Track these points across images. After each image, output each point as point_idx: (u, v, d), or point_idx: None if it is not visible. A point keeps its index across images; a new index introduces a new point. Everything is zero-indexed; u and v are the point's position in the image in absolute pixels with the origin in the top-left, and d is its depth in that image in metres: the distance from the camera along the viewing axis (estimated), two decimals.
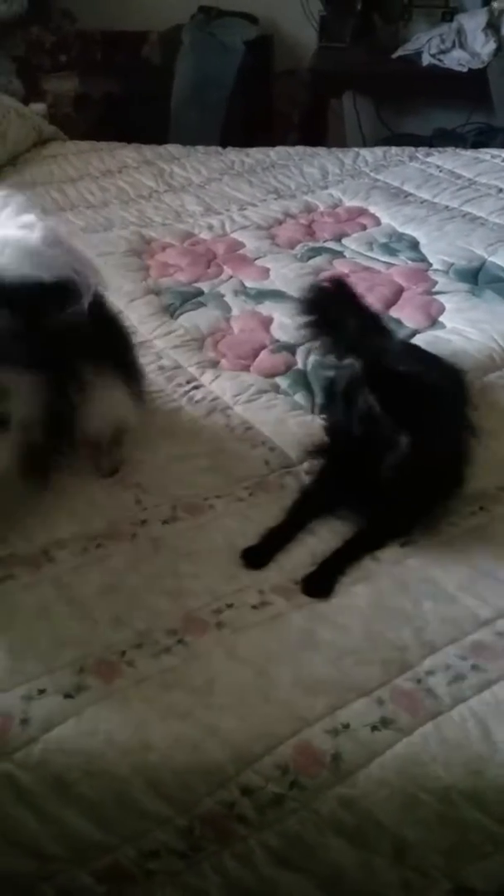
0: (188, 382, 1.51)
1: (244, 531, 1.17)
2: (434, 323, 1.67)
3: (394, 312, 1.70)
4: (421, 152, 2.61)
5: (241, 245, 1.99)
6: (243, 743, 0.90)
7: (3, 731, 0.91)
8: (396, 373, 1.14)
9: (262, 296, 1.76)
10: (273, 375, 1.52)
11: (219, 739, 0.91)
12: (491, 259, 1.89)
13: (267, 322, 1.68)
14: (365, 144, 3.13)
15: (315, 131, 3.22)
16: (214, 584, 1.08)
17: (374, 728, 0.91)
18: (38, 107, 2.83)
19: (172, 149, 2.59)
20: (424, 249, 1.96)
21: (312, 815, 0.89)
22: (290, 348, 1.58)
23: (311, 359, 1.53)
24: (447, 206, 2.19)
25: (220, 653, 0.99)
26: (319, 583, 1.08)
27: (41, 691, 0.95)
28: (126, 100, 3.42)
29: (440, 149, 2.65)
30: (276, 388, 1.48)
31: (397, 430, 1.09)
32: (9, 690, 0.95)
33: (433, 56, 3.12)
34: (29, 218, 1.16)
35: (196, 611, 1.05)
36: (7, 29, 2.99)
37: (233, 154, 2.55)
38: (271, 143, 2.72)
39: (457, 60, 3.09)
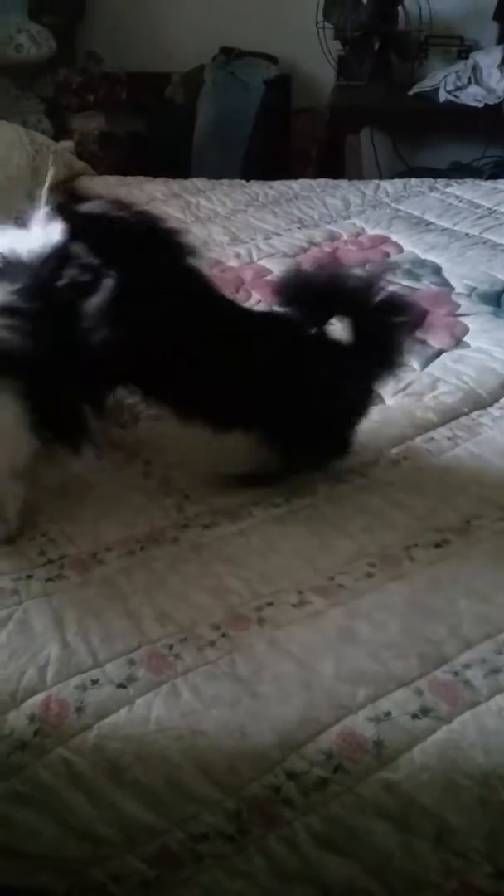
0: None
1: (281, 535, 1.22)
2: (459, 343, 1.73)
3: (419, 334, 1.76)
4: (440, 183, 2.69)
5: (269, 271, 2.06)
6: (288, 729, 0.94)
7: (59, 719, 0.96)
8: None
9: None
10: None
11: (265, 726, 0.95)
12: None
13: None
14: (382, 178, 3.22)
15: (333, 166, 3.32)
16: (254, 584, 1.13)
17: (414, 716, 0.95)
18: (66, 144, 2.93)
19: (198, 182, 2.68)
20: (447, 274, 2.03)
21: (356, 799, 0.92)
22: None
23: None
24: (468, 234, 2.26)
25: (262, 646, 1.03)
26: None
27: (94, 682, 0.99)
28: (150, 138, 3.54)
29: (459, 180, 2.73)
30: None
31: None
32: (64, 681, 0.99)
33: (449, 92, 3.23)
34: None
35: (237, 607, 1.09)
36: (36, 70, 3.12)
37: (256, 187, 2.64)
38: (290, 178, 2.81)
39: (472, 96, 3.20)
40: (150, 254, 1.15)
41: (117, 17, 3.48)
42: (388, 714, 0.95)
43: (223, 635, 1.05)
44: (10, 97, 3.08)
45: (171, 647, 1.04)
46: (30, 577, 1.14)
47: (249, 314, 1.40)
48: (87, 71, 3.34)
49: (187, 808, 0.94)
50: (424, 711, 0.96)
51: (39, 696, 0.98)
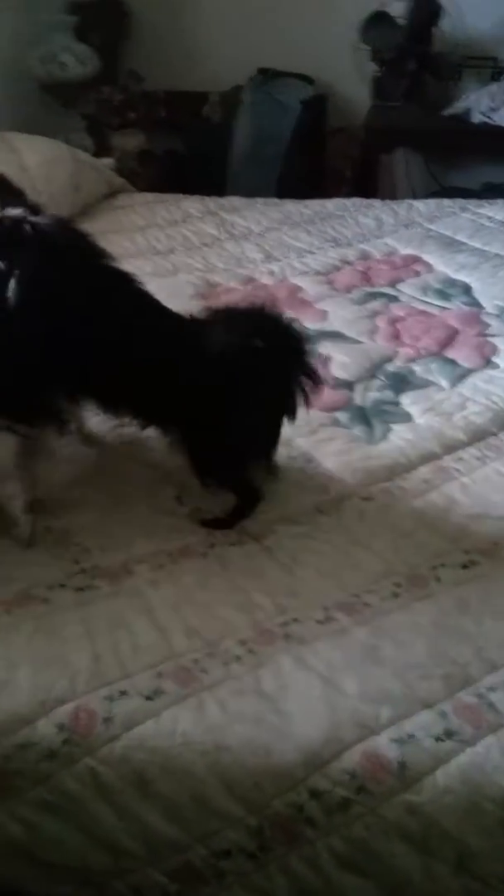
0: None
1: (307, 553, 1.23)
2: (488, 363, 1.73)
3: (449, 353, 1.77)
4: (472, 204, 2.70)
5: (301, 289, 2.08)
6: (313, 748, 0.95)
7: (87, 728, 0.97)
8: None
9: (321, 336, 1.84)
10: (333, 410, 1.59)
11: (289, 743, 0.95)
12: None
13: (326, 361, 1.75)
14: (415, 198, 3.23)
15: (366, 186, 3.33)
16: (280, 600, 1.14)
17: (438, 738, 0.95)
18: (107, 161, 2.99)
19: (233, 200, 2.72)
20: (477, 294, 2.03)
21: (378, 821, 0.93)
22: (349, 385, 1.66)
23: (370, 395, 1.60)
24: (498, 254, 2.26)
25: (288, 662, 1.04)
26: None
27: (122, 693, 1.01)
28: (187, 156, 3.59)
29: (491, 200, 2.73)
30: (336, 422, 1.55)
31: None
32: (93, 691, 1.01)
33: (483, 114, 3.23)
34: None
35: (264, 623, 1.10)
36: (80, 89, 3.18)
37: (290, 205, 2.67)
38: (324, 197, 2.84)
39: None
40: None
41: (159, 37, 3.54)
42: (411, 736, 0.96)
43: (249, 651, 1.06)
44: (54, 114, 3.15)
45: (197, 661, 1.05)
46: (63, 586, 1.17)
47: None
48: (128, 89, 3.39)
49: (210, 824, 0.95)
50: (448, 734, 0.96)
51: (69, 706, 0.99)
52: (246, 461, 1.32)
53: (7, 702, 1.00)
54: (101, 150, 3.19)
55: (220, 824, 0.95)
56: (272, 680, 1.02)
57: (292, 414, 1.31)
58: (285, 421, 1.31)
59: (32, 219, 1.18)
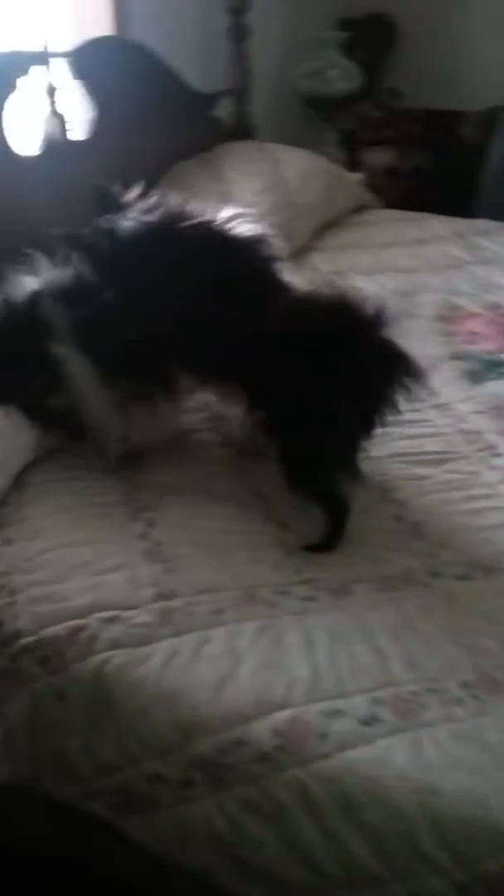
0: (487, 448, 1.53)
1: None
2: None
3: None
4: None
5: None
6: None
7: (302, 740, 0.98)
8: None
9: None
10: None
11: None
12: None
13: None
14: None
15: None
16: None
17: None
18: (357, 177, 3.02)
19: (483, 223, 2.64)
20: None
21: None
22: None
23: None
24: None
25: None
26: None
27: (338, 712, 1.00)
28: (434, 174, 3.54)
29: None
30: None
31: None
32: (310, 704, 1.01)
33: None
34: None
35: (491, 670, 1.06)
36: (339, 104, 3.24)
37: None
38: None
39: None
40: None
41: (422, 54, 3.52)
42: None
43: (474, 696, 1.02)
44: (314, 127, 3.23)
45: (416, 694, 1.02)
46: (286, 592, 1.18)
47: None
48: (387, 106, 3.41)
49: (415, 867, 0.92)
50: None
51: (285, 713, 1.00)
52: (333, 466, 1.29)
53: (229, 696, 1.03)
54: (351, 164, 3.23)
55: (425, 869, 0.92)
56: (497, 731, 0.97)
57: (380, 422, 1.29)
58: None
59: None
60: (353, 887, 0.95)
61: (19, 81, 1.86)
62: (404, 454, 1.50)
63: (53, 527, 1.31)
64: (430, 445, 1.53)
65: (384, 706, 1.01)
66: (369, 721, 0.99)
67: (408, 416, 1.57)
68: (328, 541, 1.28)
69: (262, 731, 1.00)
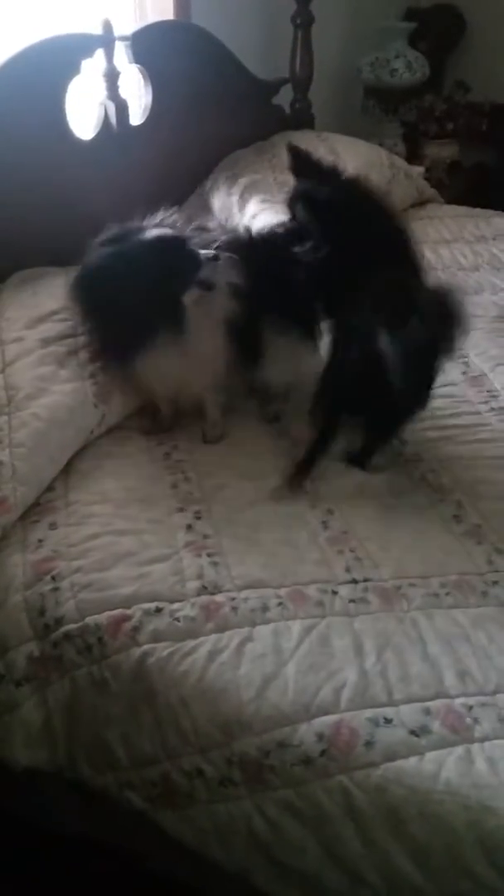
0: None
1: None
2: None
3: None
4: None
5: None
6: None
7: (348, 747, 0.95)
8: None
9: None
10: None
11: None
12: None
13: None
14: None
15: None
16: None
17: None
18: (419, 170, 2.95)
19: None
20: None
21: None
22: None
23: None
24: None
25: None
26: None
27: (388, 720, 0.97)
28: (498, 170, 3.45)
29: None
30: None
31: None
32: (357, 710, 0.98)
33: None
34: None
35: None
36: (403, 95, 3.17)
37: None
38: None
39: None
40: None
41: (492, 47, 3.43)
42: None
43: None
44: (374, 119, 3.16)
45: (470, 708, 0.99)
46: (335, 592, 1.15)
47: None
48: (453, 99, 3.33)
49: (460, 883, 0.89)
50: None
51: (332, 718, 0.98)
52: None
53: (273, 696, 1.01)
54: (412, 157, 3.16)
55: (470, 886, 0.89)
56: None
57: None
58: None
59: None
60: None
61: (84, 64, 1.85)
62: (464, 457, 1.45)
63: (99, 514, 1.29)
64: (492, 450, 1.47)
65: (435, 717, 0.97)
66: (419, 732, 0.96)
67: (468, 420, 1.53)
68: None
69: (307, 734, 0.97)
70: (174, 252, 1.35)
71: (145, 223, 1.41)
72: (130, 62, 1.98)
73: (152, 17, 2.20)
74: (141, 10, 2.21)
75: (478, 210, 2.67)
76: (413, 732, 0.96)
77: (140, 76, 2.03)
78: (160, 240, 1.36)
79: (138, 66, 2.01)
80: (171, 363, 1.38)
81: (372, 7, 3.21)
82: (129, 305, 1.33)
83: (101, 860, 1.24)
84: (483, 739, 0.95)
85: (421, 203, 2.71)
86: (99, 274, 1.36)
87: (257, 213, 1.64)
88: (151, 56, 2.02)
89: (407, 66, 2.99)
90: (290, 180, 2.26)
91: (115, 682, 1.08)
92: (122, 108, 1.95)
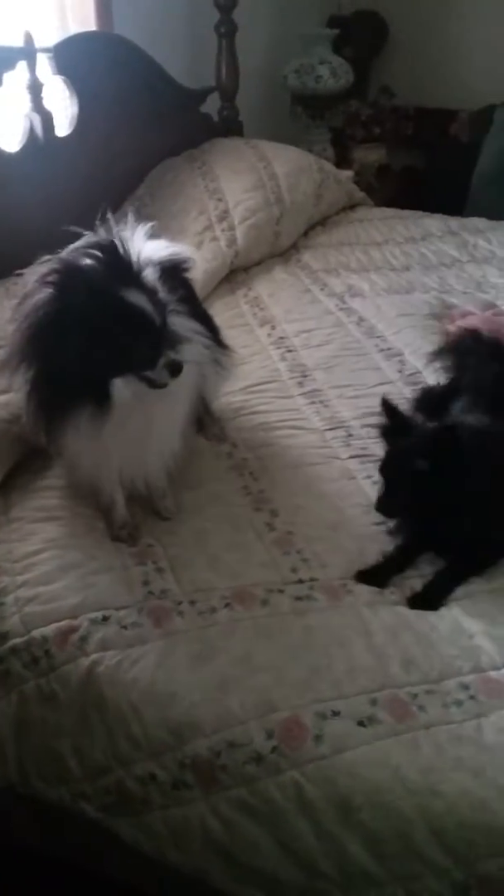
0: None
1: None
2: None
3: None
4: None
5: None
6: None
7: (297, 742, 0.96)
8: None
9: None
10: None
11: None
12: None
13: None
14: None
15: None
16: None
17: None
18: (348, 174, 3.00)
19: (478, 222, 2.62)
20: None
21: None
22: None
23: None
24: None
25: None
26: (425, 601, 1.16)
27: (335, 713, 0.99)
28: (426, 173, 3.53)
29: None
30: None
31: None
32: (306, 705, 1.00)
33: None
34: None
35: (489, 670, 1.04)
36: (329, 101, 3.22)
37: None
38: None
39: None
40: None
41: (414, 52, 3.51)
42: None
43: (471, 697, 1.00)
44: (302, 125, 3.21)
45: (415, 696, 1.01)
46: (281, 591, 1.17)
47: None
48: (378, 104, 3.39)
49: (413, 867, 0.91)
50: None
51: (281, 715, 0.99)
52: None
53: (222, 697, 1.01)
54: (341, 162, 3.21)
55: (422, 870, 0.90)
56: (495, 734, 0.96)
57: None
58: None
59: None
60: (349, 888, 0.94)
61: (6, 77, 1.84)
62: None
63: (43, 530, 1.28)
64: None
65: (381, 707, 0.99)
66: (366, 722, 0.98)
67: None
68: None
69: (256, 732, 0.98)
70: (138, 331, 1.12)
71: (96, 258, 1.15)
72: (54, 73, 1.98)
73: (74, 28, 2.20)
74: (63, 21, 2.20)
75: (407, 212, 2.74)
76: (360, 723, 0.97)
77: (65, 87, 2.03)
78: (132, 311, 1.11)
79: (62, 77, 2.00)
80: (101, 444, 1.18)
81: (295, 15, 3.26)
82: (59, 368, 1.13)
83: (57, 872, 1.23)
84: (429, 726, 0.97)
85: (351, 206, 2.76)
86: (45, 322, 1.14)
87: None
88: (75, 67, 2.02)
89: (331, 73, 3.04)
90: (222, 187, 2.30)
91: (64, 693, 1.08)
92: (47, 119, 1.95)
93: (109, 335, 1.11)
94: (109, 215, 1.25)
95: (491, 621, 1.12)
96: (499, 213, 2.84)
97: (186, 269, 1.38)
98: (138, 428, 1.21)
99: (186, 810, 1.01)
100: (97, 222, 1.24)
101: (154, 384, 1.16)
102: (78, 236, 1.22)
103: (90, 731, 1.06)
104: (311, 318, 2.00)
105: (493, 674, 1.03)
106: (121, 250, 1.15)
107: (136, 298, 1.11)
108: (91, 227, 1.24)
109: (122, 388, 1.14)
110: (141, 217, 1.34)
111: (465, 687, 1.02)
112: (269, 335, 1.92)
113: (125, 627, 1.10)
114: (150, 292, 1.14)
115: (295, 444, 1.51)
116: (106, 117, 2.14)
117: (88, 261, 1.14)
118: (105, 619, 1.11)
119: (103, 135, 2.14)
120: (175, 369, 1.15)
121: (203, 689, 1.03)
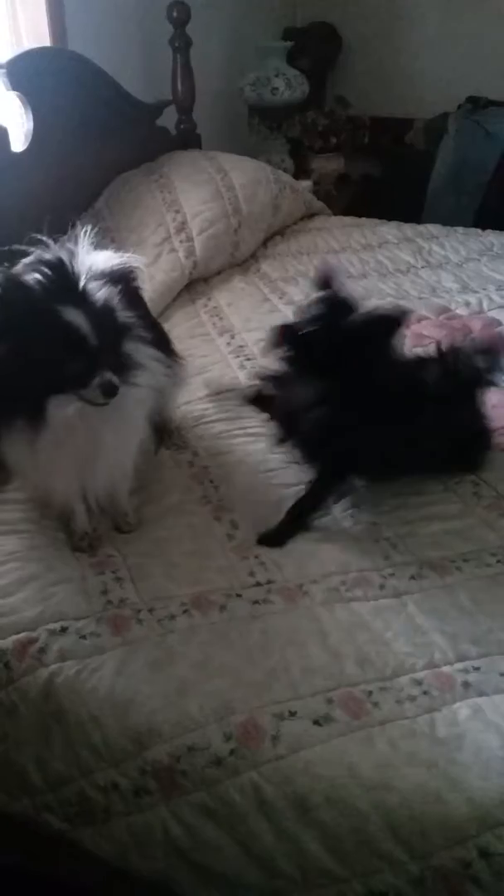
0: None
1: (492, 597, 1.17)
2: None
3: None
4: None
5: (499, 323, 2.01)
6: (487, 804, 0.90)
7: (255, 743, 0.98)
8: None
9: None
10: None
11: (462, 796, 0.91)
12: None
13: None
14: None
15: None
16: (461, 645, 1.10)
17: None
18: (306, 184, 3.04)
19: (432, 228, 2.67)
20: None
21: None
22: None
23: None
24: None
25: (466, 712, 1.00)
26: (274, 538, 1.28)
27: (292, 713, 1.00)
28: (384, 181, 3.59)
29: None
30: None
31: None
32: (263, 707, 1.01)
33: None
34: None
35: (441, 666, 1.06)
36: (286, 112, 3.26)
37: (493, 236, 2.59)
38: None
39: None
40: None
41: (368, 63, 3.57)
42: None
43: (424, 692, 1.03)
44: (259, 136, 3.24)
45: (370, 693, 1.03)
46: (239, 595, 1.18)
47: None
48: (334, 114, 3.44)
49: (370, 863, 0.92)
50: None
51: (238, 717, 1.00)
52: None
53: (181, 702, 1.02)
54: (300, 172, 3.25)
55: (379, 864, 0.92)
56: (447, 727, 0.98)
57: None
58: None
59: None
60: (310, 887, 0.95)
61: None
62: None
63: (3, 542, 1.29)
64: None
65: (337, 706, 1.01)
66: (322, 721, 0.99)
67: None
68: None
69: (215, 735, 1.00)
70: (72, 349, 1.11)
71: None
72: (8, 89, 1.99)
73: (28, 44, 2.20)
74: (16, 37, 2.21)
75: (364, 220, 2.77)
76: (316, 722, 0.99)
77: (19, 103, 2.04)
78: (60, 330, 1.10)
79: (16, 93, 2.01)
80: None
81: (250, 28, 3.30)
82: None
83: (21, 884, 1.22)
84: (383, 722, 0.99)
85: (310, 216, 2.79)
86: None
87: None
88: (29, 83, 2.02)
89: (287, 84, 3.08)
90: (180, 199, 2.32)
91: (24, 705, 1.08)
92: (2, 135, 1.96)
93: (41, 351, 1.10)
94: (70, 229, 1.26)
95: (443, 616, 1.14)
96: (454, 219, 2.89)
97: (135, 279, 1.39)
98: (82, 445, 1.20)
99: (149, 816, 1.02)
100: (48, 238, 1.25)
101: (92, 403, 1.15)
102: (40, 245, 1.22)
103: (51, 742, 1.07)
104: (270, 326, 2.01)
105: (445, 668, 1.06)
106: (68, 267, 1.16)
107: (73, 317, 1.11)
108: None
109: (62, 405, 1.14)
110: (99, 231, 1.35)
111: (418, 682, 1.04)
112: (228, 344, 1.94)
113: (84, 637, 1.11)
114: (95, 312, 1.13)
115: (254, 450, 1.53)
116: (63, 132, 2.15)
117: (35, 276, 1.15)
118: (63, 629, 1.12)
119: (60, 150, 2.14)
120: (108, 391, 1.13)
121: (162, 695, 1.04)
